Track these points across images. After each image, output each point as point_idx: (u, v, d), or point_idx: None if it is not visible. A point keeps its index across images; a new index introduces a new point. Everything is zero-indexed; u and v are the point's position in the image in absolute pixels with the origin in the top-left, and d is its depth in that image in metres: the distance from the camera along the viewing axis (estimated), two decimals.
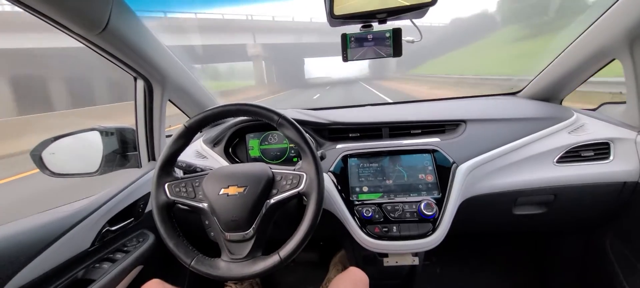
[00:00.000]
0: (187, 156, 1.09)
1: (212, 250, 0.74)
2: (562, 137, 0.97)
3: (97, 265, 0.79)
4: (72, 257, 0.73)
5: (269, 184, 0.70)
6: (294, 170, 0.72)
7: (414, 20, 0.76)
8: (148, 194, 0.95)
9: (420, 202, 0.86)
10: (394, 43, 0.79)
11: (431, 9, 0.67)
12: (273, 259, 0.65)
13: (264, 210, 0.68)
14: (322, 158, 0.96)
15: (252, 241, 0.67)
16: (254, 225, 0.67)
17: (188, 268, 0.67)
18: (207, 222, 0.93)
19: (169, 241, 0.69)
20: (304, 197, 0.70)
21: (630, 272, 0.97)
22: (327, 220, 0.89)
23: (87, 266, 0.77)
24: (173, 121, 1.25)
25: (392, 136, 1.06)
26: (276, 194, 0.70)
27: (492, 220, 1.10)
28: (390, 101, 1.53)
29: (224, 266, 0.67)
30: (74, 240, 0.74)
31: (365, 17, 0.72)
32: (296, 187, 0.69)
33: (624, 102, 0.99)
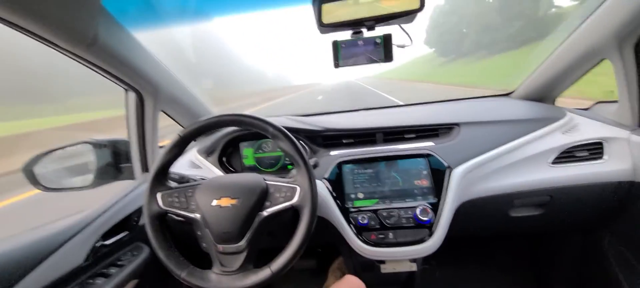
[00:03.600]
0: (181, 166, 1.08)
1: (206, 262, 0.74)
2: (556, 138, 0.96)
3: (91, 280, 0.78)
4: (65, 274, 0.72)
5: (263, 196, 0.70)
6: (287, 182, 0.71)
7: (402, 25, 0.76)
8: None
9: (416, 207, 0.85)
10: (385, 48, 0.79)
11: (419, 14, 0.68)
12: (264, 273, 0.64)
13: (256, 222, 0.68)
14: (316, 166, 0.95)
15: (244, 254, 0.66)
16: (246, 238, 0.66)
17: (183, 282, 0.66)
18: (199, 233, 0.93)
19: (161, 252, 0.68)
20: (297, 210, 0.69)
21: (628, 272, 0.97)
22: (324, 227, 0.88)
23: (81, 282, 0.76)
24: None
25: (387, 141, 1.05)
26: (269, 207, 0.69)
27: (489, 223, 1.10)
28: (387, 104, 1.53)
29: (214, 278, 0.66)
30: (67, 256, 0.73)
31: (354, 25, 0.72)
32: (289, 199, 0.68)
33: (617, 101, 0.99)
